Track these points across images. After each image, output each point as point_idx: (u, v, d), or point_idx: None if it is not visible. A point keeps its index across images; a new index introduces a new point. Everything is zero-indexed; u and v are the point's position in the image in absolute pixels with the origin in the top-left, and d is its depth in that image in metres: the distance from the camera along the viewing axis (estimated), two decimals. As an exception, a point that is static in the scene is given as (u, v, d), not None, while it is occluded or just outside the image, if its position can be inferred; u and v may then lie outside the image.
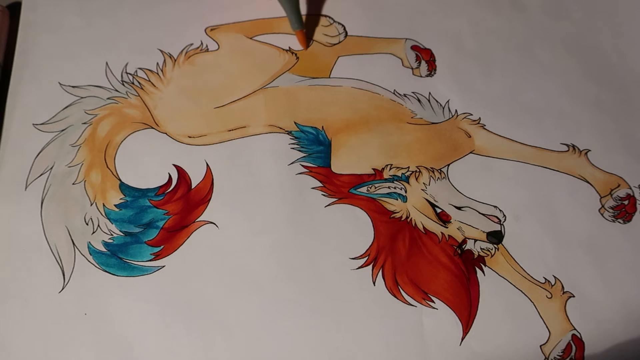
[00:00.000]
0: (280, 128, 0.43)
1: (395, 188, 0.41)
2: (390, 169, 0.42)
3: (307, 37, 0.46)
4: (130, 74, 0.45)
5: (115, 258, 0.39)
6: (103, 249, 0.39)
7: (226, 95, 0.44)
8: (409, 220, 0.40)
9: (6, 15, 0.48)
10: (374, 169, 0.42)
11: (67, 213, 0.40)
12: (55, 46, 0.46)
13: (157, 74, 0.45)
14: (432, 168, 0.42)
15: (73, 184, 0.41)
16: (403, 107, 0.44)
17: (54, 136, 0.43)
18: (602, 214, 0.40)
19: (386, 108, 0.44)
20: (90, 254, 0.39)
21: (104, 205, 0.41)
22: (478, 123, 0.43)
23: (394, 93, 0.44)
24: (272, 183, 0.41)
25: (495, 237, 0.39)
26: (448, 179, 0.41)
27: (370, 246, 0.39)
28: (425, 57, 0.46)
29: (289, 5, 0.43)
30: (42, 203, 0.41)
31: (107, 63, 0.46)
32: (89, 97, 0.44)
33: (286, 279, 0.38)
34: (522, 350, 0.37)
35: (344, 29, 0.47)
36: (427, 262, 0.39)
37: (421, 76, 0.45)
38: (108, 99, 0.44)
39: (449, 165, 0.42)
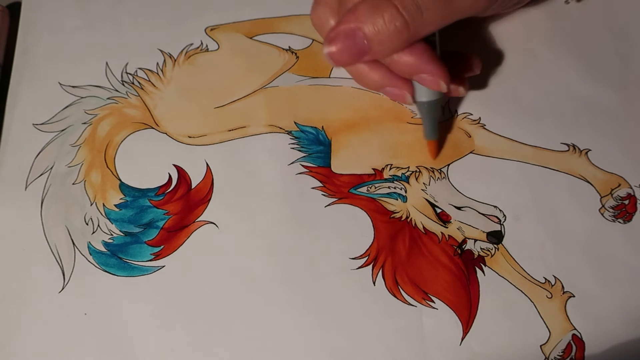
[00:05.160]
0: (280, 128, 0.43)
1: (395, 188, 0.41)
2: (390, 169, 0.42)
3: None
4: (130, 74, 0.45)
5: (115, 258, 0.39)
6: (103, 249, 0.39)
7: (226, 95, 0.44)
8: (409, 220, 0.40)
9: (6, 15, 0.48)
10: (374, 169, 0.42)
11: (67, 213, 0.40)
12: (55, 46, 0.46)
13: (157, 74, 0.45)
14: (432, 168, 0.42)
15: (73, 184, 0.41)
16: (403, 107, 0.44)
17: (54, 136, 0.43)
18: (602, 214, 0.40)
19: (386, 108, 0.44)
20: (90, 254, 0.39)
21: (104, 205, 0.41)
22: (478, 123, 0.43)
23: (394, 93, 0.44)
24: (272, 183, 0.41)
25: (495, 237, 0.39)
26: (448, 179, 0.41)
27: (370, 246, 0.39)
28: (425, 57, 0.46)
29: (429, 117, 0.39)
30: (42, 203, 0.41)
31: (107, 63, 0.46)
32: (89, 97, 0.44)
33: (286, 279, 0.38)
34: (522, 350, 0.37)
35: (344, 28, 0.47)
36: (427, 262, 0.39)
37: (421, 76, 0.45)
38: (108, 99, 0.44)
39: (449, 165, 0.42)
